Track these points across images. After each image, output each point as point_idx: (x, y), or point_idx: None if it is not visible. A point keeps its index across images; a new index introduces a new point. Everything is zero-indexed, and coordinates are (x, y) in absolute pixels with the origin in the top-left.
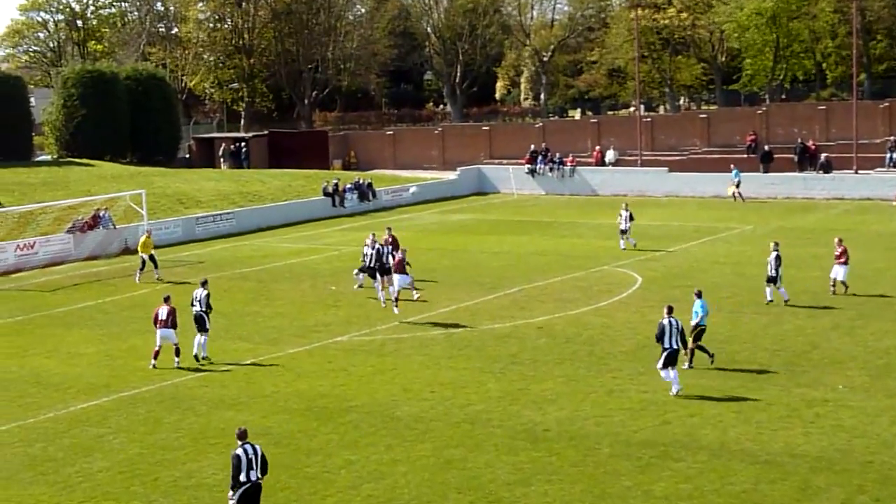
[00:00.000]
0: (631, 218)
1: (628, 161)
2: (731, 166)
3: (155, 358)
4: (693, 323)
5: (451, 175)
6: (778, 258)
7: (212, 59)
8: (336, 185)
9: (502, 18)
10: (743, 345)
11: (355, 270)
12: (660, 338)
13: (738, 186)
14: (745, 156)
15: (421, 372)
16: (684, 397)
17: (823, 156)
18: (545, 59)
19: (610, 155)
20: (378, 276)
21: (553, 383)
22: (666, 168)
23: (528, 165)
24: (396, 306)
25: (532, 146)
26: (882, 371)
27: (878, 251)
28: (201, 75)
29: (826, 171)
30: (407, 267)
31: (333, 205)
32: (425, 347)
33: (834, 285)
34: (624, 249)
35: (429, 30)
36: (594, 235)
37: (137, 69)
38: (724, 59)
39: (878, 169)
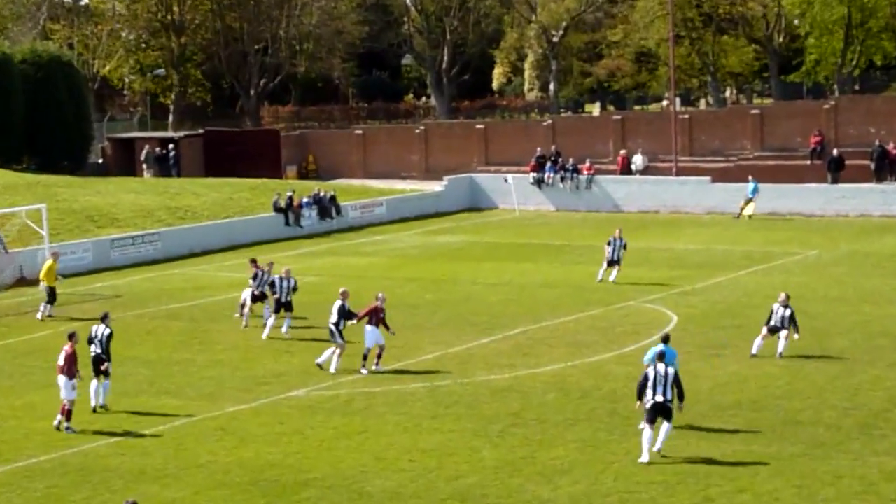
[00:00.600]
0: (624, 247)
1: (661, 169)
2: (749, 178)
3: (64, 417)
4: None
5: (436, 186)
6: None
7: (132, 37)
8: (290, 198)
9: None
10: (806, 401)
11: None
12: (640, 392)
13: (747, 203)
14: (809, 162)
15: (397, 436)
16: (731, 467)
17: None
18: (555, 39)
19: (637, 161)
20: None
21: (565, 450)
22: (708, 178)
23: (534, 174)
24: (364, 366)
25: (539, 150)
26: None
27: None
28: (118, 59)
29: None
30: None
31: (287, 223)
32: (403, 404)
33: None
34: (600, 281)
35: (408, 2)
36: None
37: (36, 50)
38: (781, 40)
39: None
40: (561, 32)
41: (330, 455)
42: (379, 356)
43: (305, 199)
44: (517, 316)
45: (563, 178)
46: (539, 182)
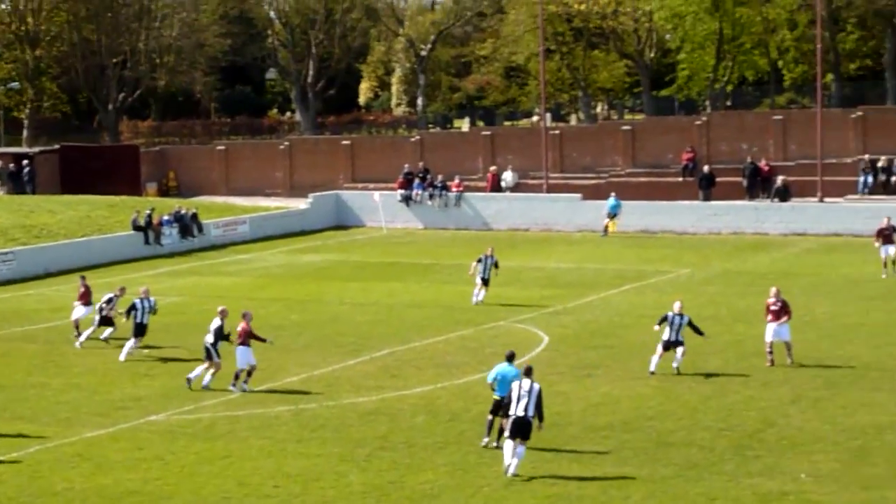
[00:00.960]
0: (495, 265)
1: (531, 186)
2: (612, 194)
3: None
4: (497, 396)
5: (301, 204)
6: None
7: None
8: (150, 216)
9: (368, 0)
10: (679, 422)
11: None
12: (505, 406)
13: (611, 218)
14: (681, 178)
15: (262, 461)
16: (603, 489)
17: (780, 179)
18: (423, 53)
19: (507, 178)
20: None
21: (434, 474)
22: (579, 195)
23: (402, 191)
24: (234, 385)
25: (406, 166)
26: (856, 456)
27: (849, 302)
28: None
29: (783, 199)
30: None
31: (147, 242)
32: (267, 428)
33: (771, 352)
34: (477, 304)
35: (272, 14)
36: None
37: None
38: (653, 55)
39: (849, 196)
40: (429, 46)
41: (191, 481)
42: (249, 374)
43: (166, 217)
44: (385, 337)
45: (431, 196)
46: (407, 199)
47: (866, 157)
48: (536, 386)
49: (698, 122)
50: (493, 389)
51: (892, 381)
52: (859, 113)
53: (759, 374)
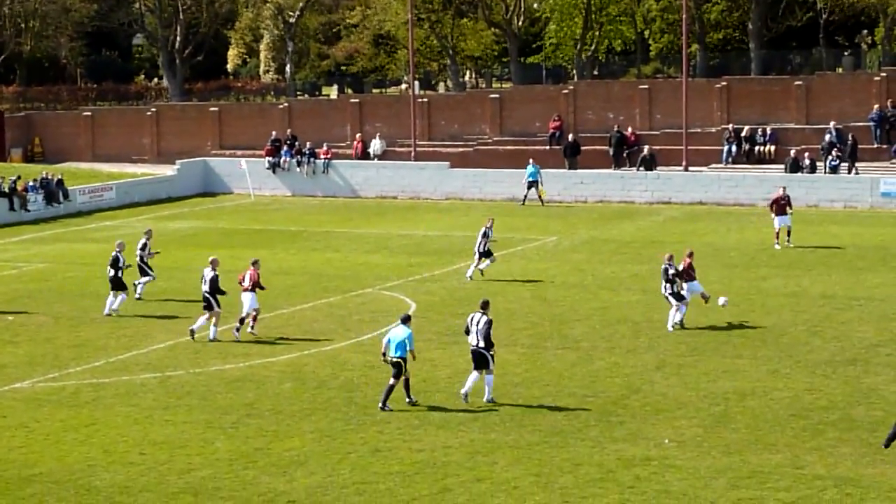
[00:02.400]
0: (484, 236)
1: (399, 153)
2: (530, 161)
3: None
4: (392, 356)
5: (168, 170)
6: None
7: None
8: (15, 182)
9: None
10: (545, 388)
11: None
12: (466, 331)
13: (530, 188)
14: (548, 147)
15: (127, 428)
16: (469, 455)
17: (646, 148)
18: (291, 20)
19: (375, 145)
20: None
21: (301, 441)
22: (447, 163)
23: (270, 158)
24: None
25: (274, 133)
26: (718, 421)
27: (713, 269)
28: None
29: (649, 168)
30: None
31: (12, 208)
32: (133, 396)
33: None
34: (471, 279)
35: None
36: (355, 249)
37: None
38: (521, 23)
39: (714, 165)
40: (297, 13)
41: (56, 449)
42: (255, 319)
43: (31, 184)
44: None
45: (299, 163)
46: (275, 167)
47: (730, 126)
48: (485, 318)
49: (565, 91)
50: (384, 353)
51: (753, 348)
52: (724, 83)
53: (624, 341)
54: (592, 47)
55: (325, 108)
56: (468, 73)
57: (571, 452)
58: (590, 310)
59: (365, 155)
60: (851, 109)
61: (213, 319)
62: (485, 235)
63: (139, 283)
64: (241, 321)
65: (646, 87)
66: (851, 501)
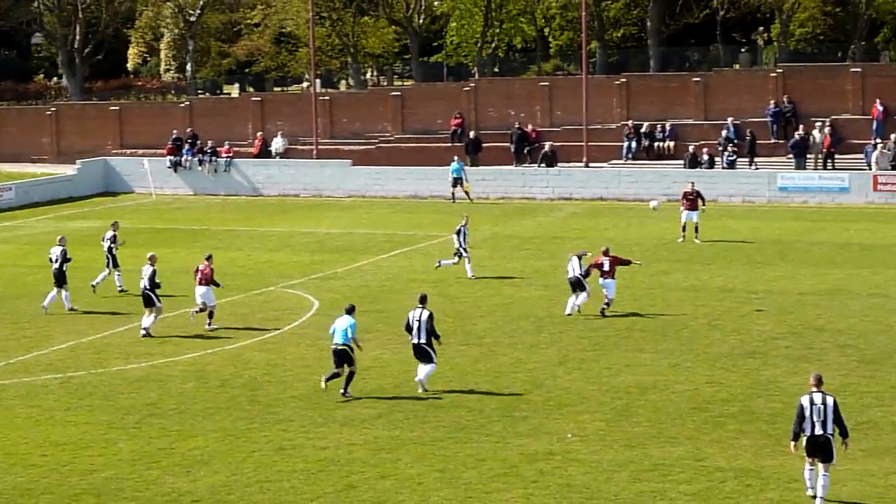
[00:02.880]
0: (458, 234)
1: (301, 151)
2: (454, 158)
3: None
4: (337, 343)
5: (68, 170)
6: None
7: None
8: None
9: None
10: (448, 384)
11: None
12: (407, 328)
13: (456, 185)
14: (450, 144)
15: (28, 430)
16: (374, 452)
17: (547, 144)
18: (192, 19)
19: (276, 144)
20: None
21: (204, 440)
22: (349, 161)
23: (171, 157)
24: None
25: (175, 132)
26: (620, 414)
27: None
28: None
29: (549, 164)
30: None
31: None
32: (34, 397)
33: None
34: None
35: None
36: (257, 247)
37: None
38: (422, 21)
39: (614, 161)
40: (198, 12)
41: None
42: (210, 314)
43: None
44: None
45: (200, 162)
46: (176, 165)
47: (630, 123)
48: (426, 312)
49: (466, 89)
50: (332, 340)
51: (654, 342)
52: (623, 80)
53: (526, 336)
54: (493, 45)
55: (226, 106)
56: (370, 71)
57: (475, 448)
58: (492, 306)
59: (266, 153)
60: (749, 105)
61: (155, 315)
62: (459, 233)
63: (102, 276)
64: (201, 310)
65: (546, 84)
66: (752, 492)
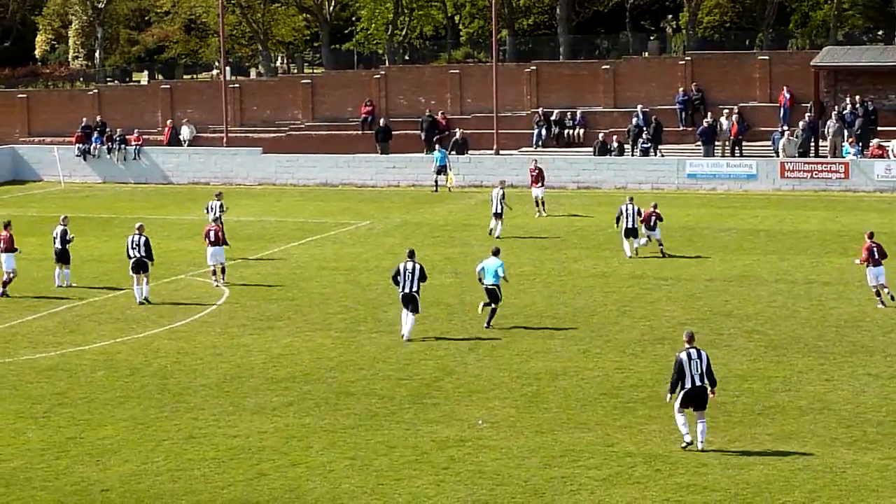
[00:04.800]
0: (503, 198)
1: (211, 139)
2: (437, 147)
3: None
4: (487, 283)
5: None
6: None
7: None
8: None
9: None
10: (359, 372)
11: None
12: (395, 279)
13: (440, 173)
14: (360, 132)
15: None
16: (285, 440)
17: (458, 132)
18: (101, 5)
19: (185, 132)
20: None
21: (114, 429)
22: (259, 148)
23: (80, 145)
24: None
25: (84, 120)
26: (531, 401)
27: (524, 252)
28: None
29: (460, 152)
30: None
31: None
32: None
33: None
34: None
35: None
36: (167, 235)
37: None
38: (332, 8)
39: (524, 148)
40: None
41: None
42: (223, 271)
43: None
44: (62, 291)
45: (110, 150)
46: (85, 153)
47: (540, 110)
48: (417, 266)
49: (377, 76)
50: (481, 280)
51: (564, 329)
52: (533, 67)
53: (437, 323)
54: (403, 32)
55: (135, 94)
56: (280, 58)
57: (386, 435)
58: None
59: (176, 141)
60: (658, 93)
61: (145, 279)
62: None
63: (60, 273)
64: (214, 273)
65: (456, 71)
66: (661, 477)
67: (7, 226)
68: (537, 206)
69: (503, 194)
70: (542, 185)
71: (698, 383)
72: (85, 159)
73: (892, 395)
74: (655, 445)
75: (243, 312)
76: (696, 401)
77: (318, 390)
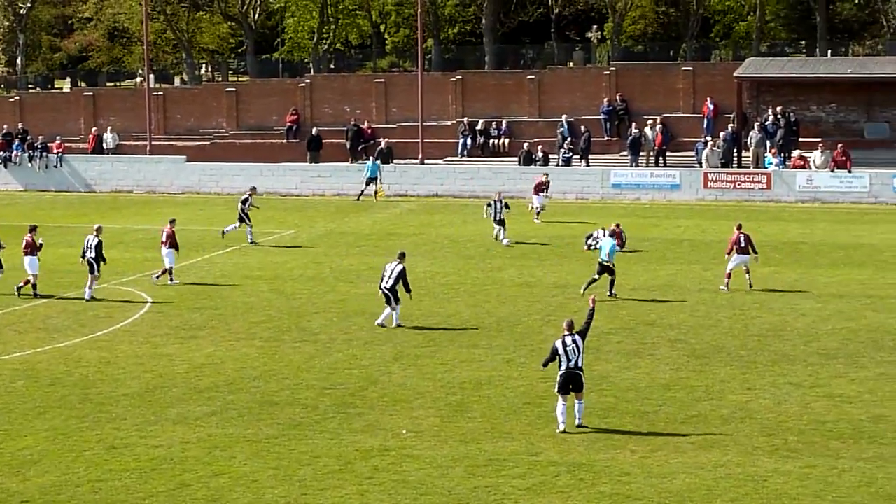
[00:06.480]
0: (506, 206)
1: (135, 147)
2: (370, 157)
3: None
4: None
5: None
6: None
7: None
8: None
9: None
10: (283, 381)
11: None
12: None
13: (369, 184)
14: (285, 140)
15: None
16: (207, 450)
17: (383, 141)
18: (23, 12)
19: (107, 139)
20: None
21: (34, 439)
22: (183, 157)
23: (1, 153)
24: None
25: (5, 127)
26: (455, 410)
27: (449, 261)
28: None
29: (385, 161)
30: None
31: None
32: None
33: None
34: (508, 245)
35: None
36: None
37: None
38: (257, 17)
39: (450, 158)
40: (28, 5)
41: None
42: (169, 273)
43: None
44: None
45: (31, 158)
46: (6, 161)
47: (465, 120)
48: (399, 266)
49: (302, 85)
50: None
51: (489, 338)
52: (458, 77)
53: (362, 333)
54: (329, 41)
55: (57, 101)
56: (205, 66)
57: (310, 445)
58: (328, 302)
59: (101, 149)
60: (582, 103)
61: (91, 282)
62: (490, 205)
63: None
64: (164, 272)
65: (382, 80)
66: (584, 486)
67: (33, 230)
68: (537, 214)
69: (506, 203)
70: (546, 195)
71: (574, 366)
72: (6, 167)
73: (813, 405)
74: (579, 455)
75: (166, 322)
76: (573, 382)
77: (242, 400)
